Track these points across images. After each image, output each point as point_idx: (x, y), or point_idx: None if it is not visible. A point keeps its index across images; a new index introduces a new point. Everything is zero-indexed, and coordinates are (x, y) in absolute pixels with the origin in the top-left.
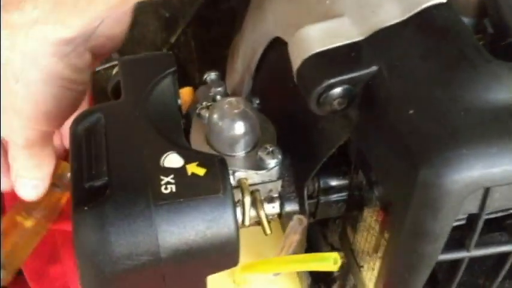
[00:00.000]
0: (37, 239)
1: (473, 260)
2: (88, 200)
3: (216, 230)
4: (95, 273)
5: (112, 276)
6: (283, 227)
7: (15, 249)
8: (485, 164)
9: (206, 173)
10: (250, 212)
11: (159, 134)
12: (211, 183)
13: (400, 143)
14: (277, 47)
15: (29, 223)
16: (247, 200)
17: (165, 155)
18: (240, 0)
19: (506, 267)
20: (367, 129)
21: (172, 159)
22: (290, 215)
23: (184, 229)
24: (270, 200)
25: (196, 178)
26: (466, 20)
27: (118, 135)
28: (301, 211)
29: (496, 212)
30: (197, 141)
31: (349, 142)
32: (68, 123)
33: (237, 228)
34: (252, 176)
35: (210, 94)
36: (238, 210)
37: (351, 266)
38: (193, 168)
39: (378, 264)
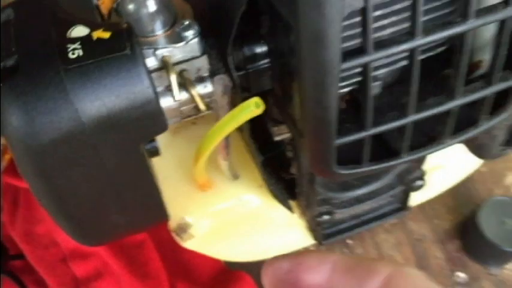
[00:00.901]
0: None
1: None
2: (1, 79)
3: (131, 89)
4: (24, 151)
5: (41, 149)
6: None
7: None
8: None
9: (112, 36)
10: (183, 95)
11: (67, 14)
12: (117, 43)
13: None
14: None
15: None
16: (173, 77)
17: (72, 27)
18: None
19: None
20: None
21: (79, 30)
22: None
23: (98, 90)
24: (200, 80)
25: (102, 41)
26: None
27: (26, 22)
28: (233, 86)
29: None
30: None
31: None
32: None
33: (152, 85)
34: (174, 52)
35: None
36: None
37: (295, 139)
38: (98, 34)
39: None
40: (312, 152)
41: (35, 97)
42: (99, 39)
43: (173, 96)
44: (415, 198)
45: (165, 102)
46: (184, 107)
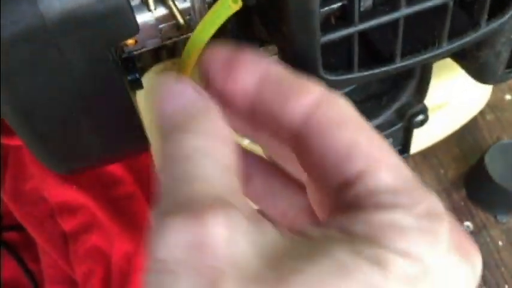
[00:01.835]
0: None
1: None
2: None
3: None
4: None
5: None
6: None
7: None
8: None
9: None
10: (161, 11)
11: None
12: None
13: None
14: None
15: None
16: None
17: None
18: None
19: None
20: None
21: None
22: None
23: None
24: None
25: None
26: None
27: None
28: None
29: None
30: None
31: None
32: None
33: None
34: None
35: None
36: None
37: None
38: None
39: None
40: (297, 57)
41: None
42: None
43: (149, 9)
44: (418, 143)
45: (142, 18)
46: (163, 25)
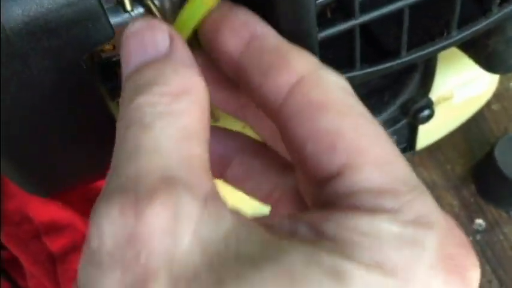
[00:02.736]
0: None
1: None
2: None
3: None
4: None
5: None
6: None
7: None
8: None
9: None
10: (139, 11)
11: None
12: None
13: None
14: None
15: None
16: None
17: None
18: None
19: None
20: None
21: None
22: None
23: None
24: None
25: None
26: None
27: None
28: None
29: None
30: None
31: None
32: None
33: None
34: None
35: None
36: None
37: None
38: None
39: None
40: None
41: None
42: None
43: (126, 10)
44: (424, 139)
45: (118, 20)
46: None
